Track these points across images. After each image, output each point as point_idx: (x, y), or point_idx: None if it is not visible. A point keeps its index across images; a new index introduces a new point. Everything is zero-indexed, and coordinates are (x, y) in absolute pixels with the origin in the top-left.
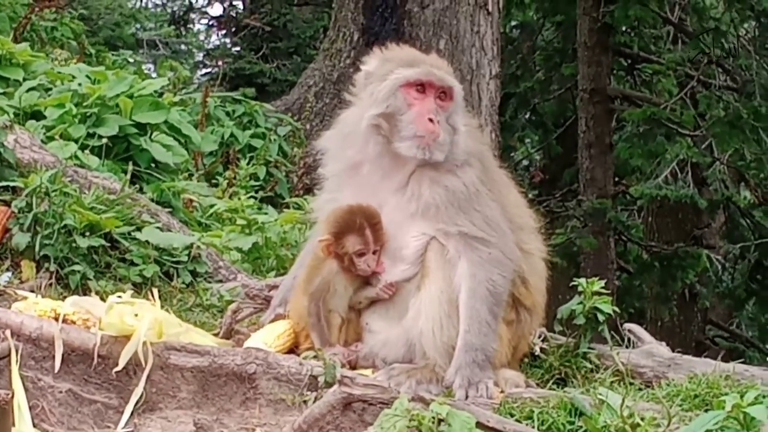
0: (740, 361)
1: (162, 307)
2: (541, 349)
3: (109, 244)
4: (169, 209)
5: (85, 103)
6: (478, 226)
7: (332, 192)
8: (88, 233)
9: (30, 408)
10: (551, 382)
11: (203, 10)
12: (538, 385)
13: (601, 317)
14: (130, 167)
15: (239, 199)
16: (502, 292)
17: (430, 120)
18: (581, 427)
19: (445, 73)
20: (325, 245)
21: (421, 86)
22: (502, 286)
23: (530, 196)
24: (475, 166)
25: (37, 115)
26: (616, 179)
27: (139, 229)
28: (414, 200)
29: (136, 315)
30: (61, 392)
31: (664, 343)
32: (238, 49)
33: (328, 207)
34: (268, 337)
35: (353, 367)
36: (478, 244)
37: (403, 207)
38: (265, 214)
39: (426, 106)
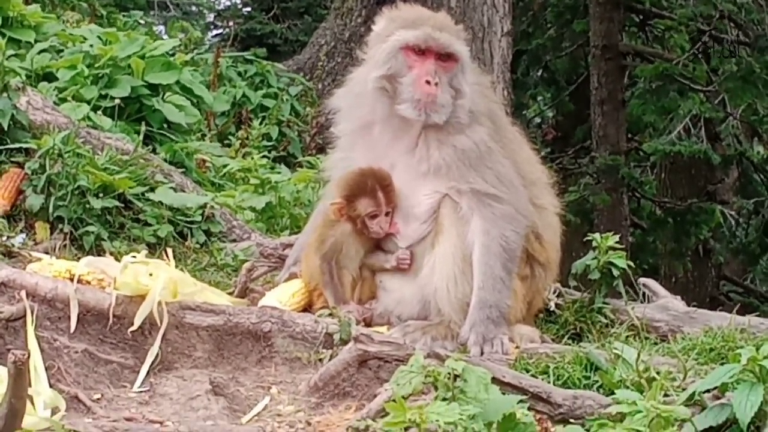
0: (755, 315)
1: (176, 267)
2: (556, 305)
3: (122, 205)
4: (182, 170)
5: (96, 65)
6: (490, 183)
7: (345, 151)
8: (101, 194)
9: (46, 368)
10: (566, 337)
11: None
12: (553, 340)
13: (615, 272)
14: (143, 128)
15: (252, 158)
16: (516, 248)
17: (428, 82)
18: (597, 381)
19: (450, 34)
20: (337, 208)
21: (421, 49)
22: (515, 242)
23: (543, 153)
24: (485, 125)
25: (49, 77)
26: (629, 135)
27: (152, 189)
28: (424, 161)
29: (151, 275)
30: (76, 352)
31: (678, 298)
32: (248, 9)
33: (340, 166)
34: (283, 296)
35: (368, 325)
36: (491, 201)
37: (414, 167)
38: (278, 173)
39: (425, 68)
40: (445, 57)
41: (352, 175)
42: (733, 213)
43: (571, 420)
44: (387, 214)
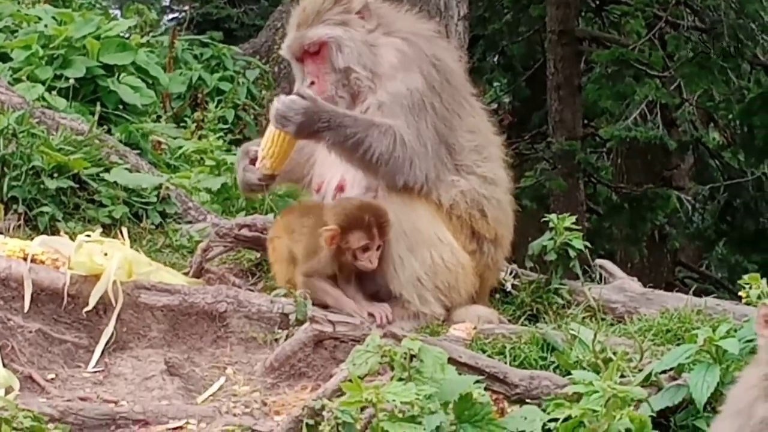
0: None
1: (131, 247)
2: (513, 286)
3: (77, 186)
4: (138, 151)
5: (51, 45)
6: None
7: None
8: (56, 174)
9: (0, 348)
10: (523, 318)
11: None
12: (510, 321)
13: (572, 253)
14: (98, 109)
15: (208, 140)
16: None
17: (312, 83)
18: (553, 362)
19: (308, 25)
20: (330, 236)
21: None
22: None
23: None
24: (423, 71)
25: (4, 57)
26: (585, 121)
27: (107, 170)
28: None
29: (106, 254)
30: (30, 332)
31: (635, 279)
32: None
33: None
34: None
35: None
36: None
37: None
38: (234, 155)
39: (304, 77)
40: (315, 49)
41: (350, 206)
42: (689, 198)
43: (528, 400)
44: (378, 248)
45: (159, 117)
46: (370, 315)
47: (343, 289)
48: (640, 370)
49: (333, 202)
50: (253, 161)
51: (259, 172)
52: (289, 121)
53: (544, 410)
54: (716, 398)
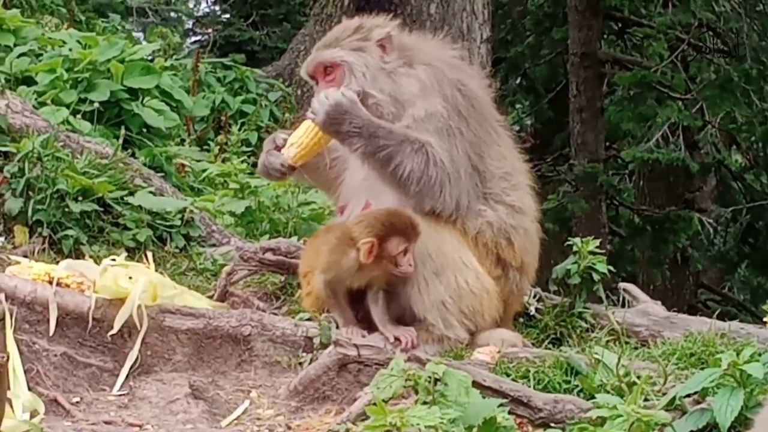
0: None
1: (156, 270)
2: (537, 309)
3: (101, 209)
4: (162, 174)
5: (76, 69)
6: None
7: None
8: (80, 198)
9: (25, 371)
10: (547, 341)
11: None
12: (533, 344)
13: (596, 277)
14: (122, 132)
15: (232, 163)
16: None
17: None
18: (577, 386)
19: (324, 49)
20: (368, 249)
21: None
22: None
23: None
24: (447, 95)
25: (29, 81)
26: (607, 143)
27: (131, 193)
28: None
29: (131, 278)
30: (56, 355)
31: (659, 302)
32: (227, 16)
33: None
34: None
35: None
36: None
37: None
38: (258, 177)
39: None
40: (330, 70)
41: (380, 215)
42: (711, 221)
43: (552, 424)
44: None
45: (183, 140)
46: (396, 339)
47: (371, 310)
48: (664, 394)
49: (357, 218)
50: (278, 148)
51: (282, 158)
52: (320, 109)
53: None
54: (740, 422)
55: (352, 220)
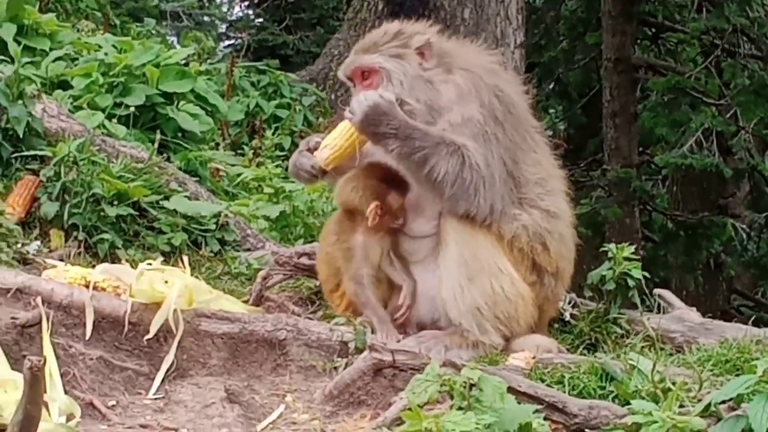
0: None
1: (191, 275)
2: (572, 315)
3: (137, 213)
4: (197, 178)
5: (111, 73)
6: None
7: None
8: (116, 202)
9: (61, 375)
10: (582, 347)
11: None
12: (568, 350)
13: (631, 283)
14: (158, 136)
15: (266, 168)
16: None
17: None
18: (612, 392)
19: (363, 53)
20: (374, 213)
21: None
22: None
23: None
24: (485, 101)
25: (64, 85)
26: (641, 149)
27: (167, 197)
28: None
29: (167, 282)
30: (92, 359)
31: (694, 308)
32: (261, 20)
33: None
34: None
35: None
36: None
37: None
38: (292, 182)
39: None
40: (367, 75)
41: (368, 178)
42: (744, 227)
43: (587, 430)
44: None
45: (217, 144)
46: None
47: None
48: (699, 401)
49: (348, 188)
50: (311, 150)
51: (313, 159)
52: (358, 110)
53: None
54: None
55: (339, 197)
